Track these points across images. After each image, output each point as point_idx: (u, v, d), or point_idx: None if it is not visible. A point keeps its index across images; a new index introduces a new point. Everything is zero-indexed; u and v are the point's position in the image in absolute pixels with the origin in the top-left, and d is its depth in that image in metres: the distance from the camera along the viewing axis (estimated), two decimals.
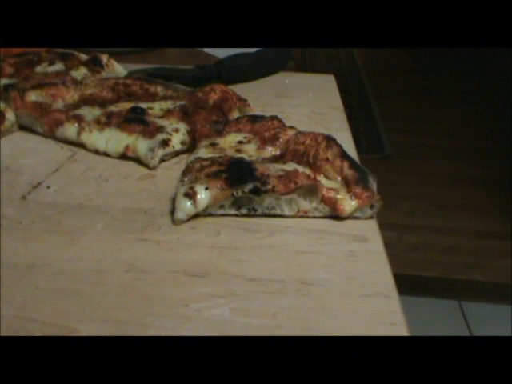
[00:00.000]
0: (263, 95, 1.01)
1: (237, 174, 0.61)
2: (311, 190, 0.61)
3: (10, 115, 0.81)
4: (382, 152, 2.98)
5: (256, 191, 0.60)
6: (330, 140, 0.66)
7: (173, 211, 0.60)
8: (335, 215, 0.61)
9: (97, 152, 0.75)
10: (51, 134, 0.79)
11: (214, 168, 0.62)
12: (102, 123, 0.77)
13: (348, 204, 0.60)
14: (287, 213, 0.61)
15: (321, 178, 0.63)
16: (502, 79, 3.83)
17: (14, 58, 0.99)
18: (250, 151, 0.69)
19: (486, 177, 2.75)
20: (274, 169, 0.62)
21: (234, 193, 0.60)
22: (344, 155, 0.65)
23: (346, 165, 0.63)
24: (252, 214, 0.61)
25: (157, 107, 0.83)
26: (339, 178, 0.63)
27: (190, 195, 0.59)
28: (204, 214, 0.60)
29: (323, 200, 0.61)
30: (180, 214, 0.59)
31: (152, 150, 0.72)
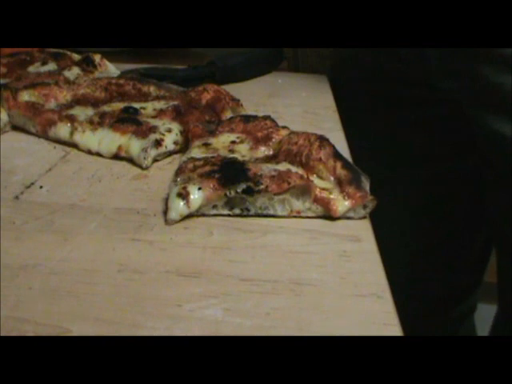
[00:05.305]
0: (256, 95, 1.01)
1: (230, 174, 0.61)
2: (304, 190, 0.61)
3: (2, 115, 0.81)
4: None
5: (249, 191, 0.60)
6: (322, 140, 0.66)
7: (166, 211, 0.60)
8: (328, 215, 0.61)
9: (89, 152, 0.75)
10: (44, 134, 0.79)
11: (207, 168, 0.62)
12: (95, 123, 0.77)
13: (341, 204, 0.60)
14: (280, 213, 0.61)
15: (314, 178, 0.63)
16: None
17: (6, 57, 0.99)
18: (242, 151, 0.69)
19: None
20: (267, 169, 0.62)
21: (227, 193, 0.60)
22: (337, 155, 0.65)
23: (338, 165, 0.64)
24: (245, 214, 0.61)
25: (150, 107, 0.83)
26: (332, 178, 0.63)
27: (183, 195, 0.59)
28: (197, 214, 0.60)
29: (316, 200, 0.61)
30: (173, 214, 0.59)
31: (145, 150, 0.71)
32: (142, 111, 0.81)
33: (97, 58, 1.00)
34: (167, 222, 0.59)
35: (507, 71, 0.80)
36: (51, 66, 0.98)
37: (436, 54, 0.88)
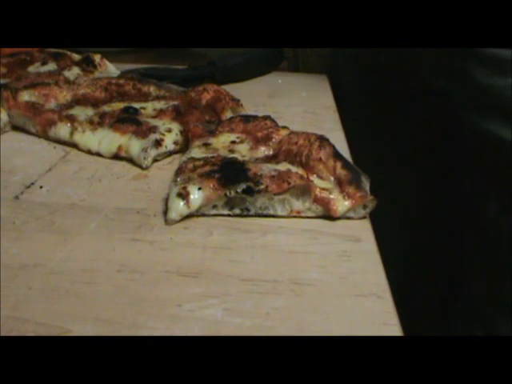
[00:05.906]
0: (256, 95, 1.01)
1: (230, 174, 0.61)
2: (304, 190, 0.61)
3: (2, 115, 0.81)
4: None
5: (249, 191, 0.60)
6: (322, 140, 0.66)
7: (166, 211, 0.60)
8: (328, 215, 0.61)
9: (89, 152, 0.75)
10: (44, 134, 0.79)
11: (207, 168, 0.62)
12: (95, 123, 0.77)
13: (341, 204, 0.60)
14: (280, 213, 0.61)
15: (314, 178, 0.63)
16: None
17: (6, 57, 0.99)
18: (242, 151, 0.69)
19: None
20: (267, 169, 0.62)
21: (227, 193, 0.60)
22: (337, 155, 0.65)
23: (338, 165, 0.63)
24: (245, 214, 0.61)
25: (150, 107, 0.83)
26: (332, 178, 0.63)
27: (183, 195, 0.59)
28: (197, 214, 0.60)
29: (316, 200, 0.61)
30: (173, 214, 0.59)
31: (145, 150, 0.71)
32: (142, 111, 0.81)
33: (97, 58, 1.00)
34: (167, 222, 0.59)
35: (496, 73, 0.80)
36: (51, 66, 0.98)
37: (427, 52, 0.88)
